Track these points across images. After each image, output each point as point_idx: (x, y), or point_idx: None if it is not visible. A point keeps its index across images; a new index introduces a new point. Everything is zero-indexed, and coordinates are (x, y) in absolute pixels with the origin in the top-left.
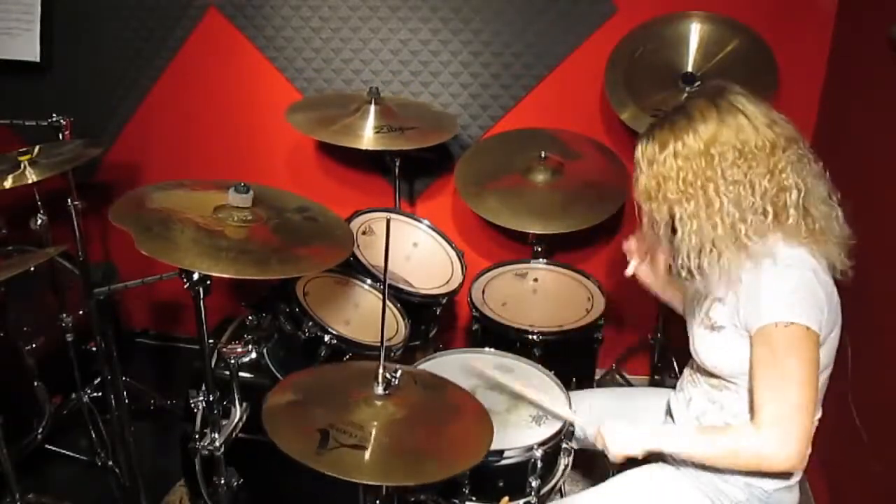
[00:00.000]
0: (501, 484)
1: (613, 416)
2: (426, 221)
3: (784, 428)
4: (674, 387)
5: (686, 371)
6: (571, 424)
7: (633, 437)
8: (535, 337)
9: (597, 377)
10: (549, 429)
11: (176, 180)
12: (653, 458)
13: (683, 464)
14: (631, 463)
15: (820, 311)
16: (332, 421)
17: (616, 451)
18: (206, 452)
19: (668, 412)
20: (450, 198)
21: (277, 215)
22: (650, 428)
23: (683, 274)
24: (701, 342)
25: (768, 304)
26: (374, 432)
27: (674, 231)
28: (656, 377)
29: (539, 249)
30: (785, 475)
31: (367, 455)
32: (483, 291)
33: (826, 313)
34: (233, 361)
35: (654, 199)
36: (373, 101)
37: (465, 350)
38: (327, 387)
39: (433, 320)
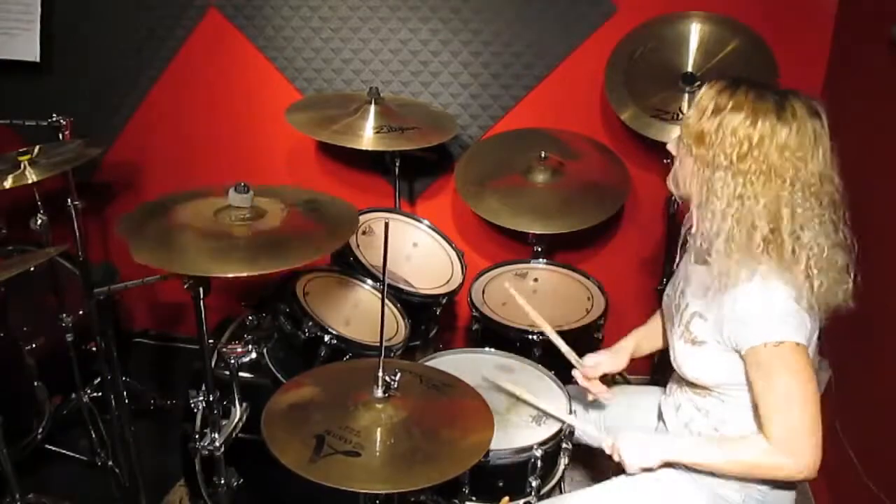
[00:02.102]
0: (501, 484)
1: (607, 409)
2: (426, 221)
3: (797, 444)
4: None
5: (672, 378)
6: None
7: (649, 451)
8: (535, 337)
9: None
10: (549, 429)
11: (183, 192)
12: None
13: (683, 466)
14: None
15: (804, 323)
16: (328, 426)
17: (634, 464)
18: (206, 452)
19: (660, 416)
20: (450, 198)
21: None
22: (666, 439)
23: (690, 241)
24: (682, 355)
25: (755, 324)
26: (370, 438)
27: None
28: (656, 377)
29: (539, 249)
30: None
31: (361, 462)
32: (483, 291)
33: (809, 324)
34: (233, 361)
35: (706, 146)
36: (373, 101)
37: (465, 350)
38: (330, 389)
39: (433, 320)
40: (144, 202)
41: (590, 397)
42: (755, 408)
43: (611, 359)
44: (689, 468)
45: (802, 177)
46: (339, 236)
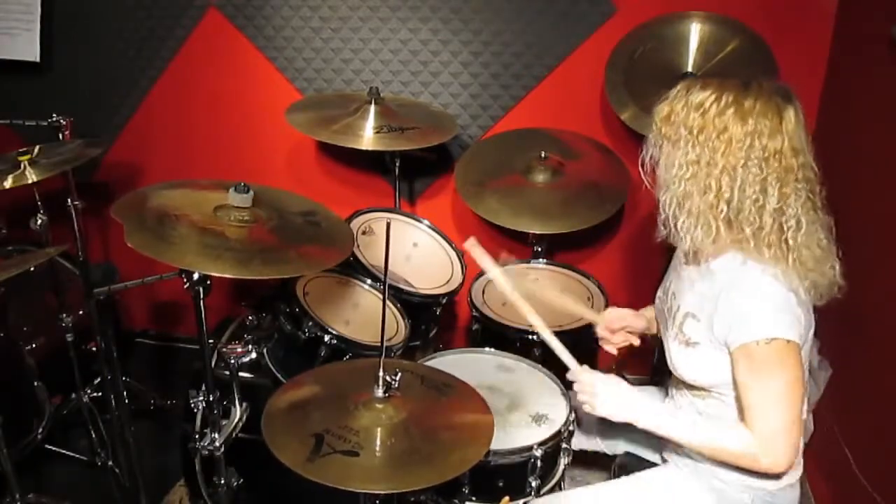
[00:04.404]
0: (501, 484)
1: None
2: (426, 221)
3: (778, 442)
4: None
5: (671, 382)
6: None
7: (625, 412)
8: (535, 337)
9: None
10: (549, 429)
11: (184, 180)
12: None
13: (688, 465)
14: (637, 465)
15: (798, 320)
16: (328, 426)
17: (603, 411)
18: (206, 452)
19: None
20: (450, 198)
21: (279, 217)
22: (649, 410)
23: (662, 228)
24: (677, 357)
25: (747, 321)
26: (369, 437)
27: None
28: (656, 377)
29: (539, 249)
30: (787, 475)
31: (359, 462)
32: (483, 291)
33: (803, 320)
34: (233, 361)
35: (670, 124)
36: (373, 101)
37: (465, 350)
38: (330, 389)
39: (433, 320)
40: (145, 187)
41: (613, 350)
42: (738, 402)
43: (634, 315)
44: (690, 463)
45: (766, 146)
46: (332, 256)
